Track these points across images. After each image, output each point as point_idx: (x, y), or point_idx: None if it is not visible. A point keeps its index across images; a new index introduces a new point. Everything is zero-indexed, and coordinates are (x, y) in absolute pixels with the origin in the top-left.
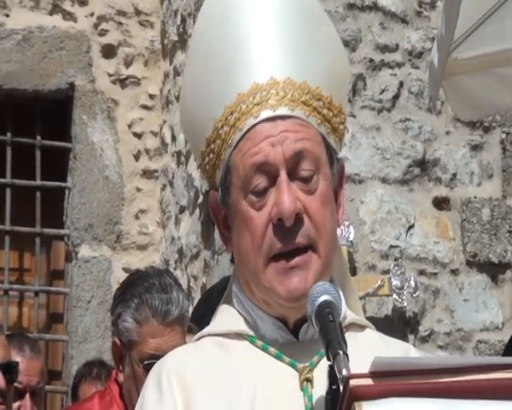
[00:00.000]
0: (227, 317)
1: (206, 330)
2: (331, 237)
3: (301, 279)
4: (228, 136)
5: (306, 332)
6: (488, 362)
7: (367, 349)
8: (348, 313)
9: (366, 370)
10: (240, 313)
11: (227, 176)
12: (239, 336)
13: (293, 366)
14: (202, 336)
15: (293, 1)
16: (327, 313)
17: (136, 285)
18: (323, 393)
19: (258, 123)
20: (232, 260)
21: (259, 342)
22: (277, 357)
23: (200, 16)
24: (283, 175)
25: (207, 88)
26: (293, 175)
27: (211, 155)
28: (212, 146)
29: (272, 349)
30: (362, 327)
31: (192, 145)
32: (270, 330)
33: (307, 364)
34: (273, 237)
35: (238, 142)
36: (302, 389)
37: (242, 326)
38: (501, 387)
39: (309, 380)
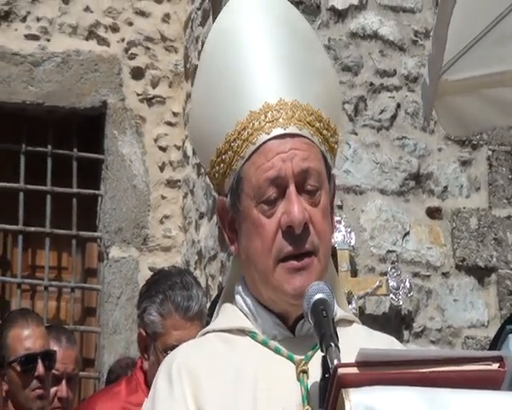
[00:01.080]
0: (230, 314)
1: (211, 326)
2: (329, 245)
3: (305, 279)
4: (240, 149)
5: (302, 328)
6: (460, 355)
7: (355, 342)
8: (338, 310)
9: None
10: (242, 311)
11: (238, 185)
12: (241, 332)
13: (290, 359)
14: (207, 332)
15: (294, 32)
16: (321, 309)
17: (161, 283)
18: (318, 383)
19: (269, 139)
20: None
21: (260, 338)
22: (276, 351)
23: (210, 37)
24: (292, 188)
25: (219, 104)
26: (300, 188)
27: (221, 165)
28: (224, 157)
29: (272, 344)
30: (350, 322)
31: (200, 154)
32: (269, 327)
33: (303, 357)
34: (283, 242)
35: (251, 155)
36: (299, 380)
37: (244, 323)
38: (471, 377)
39: (305, 372)
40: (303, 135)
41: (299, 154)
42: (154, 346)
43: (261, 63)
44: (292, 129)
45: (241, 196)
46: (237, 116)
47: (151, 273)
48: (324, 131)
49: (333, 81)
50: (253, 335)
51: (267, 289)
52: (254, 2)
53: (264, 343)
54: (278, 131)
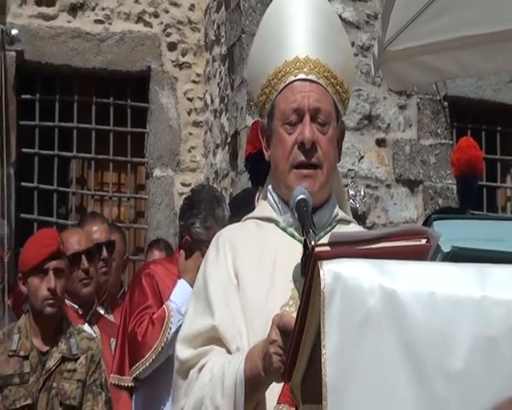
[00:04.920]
0: (262, 207)
1: (250, 214)
2: (332, 164)
3: (310, 184)
4: (276, 85)
5: None
6: (402, 232)
7: None
8: (340, 213)
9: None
10: (270, 205)
11: (272, 110)
12: (268, 219)
13: (301, 242)
14: (247, 219)
15: (326, 17)
16: (302, 206)
17: (202, 202)
18: None
19: (295, 80)
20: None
21: (281, 225)
22: (292, 236)
23: (267, 12)
24: (307, 117)
25: (265, 55)
26: (313, 119)
27: (263, 96)
28: (265, 90)
29: (289, 231)
30: (348, 222)
31: (252, 91)
32: (288, 218)
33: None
34: (297, 152)
35: (281, 90)
36: None
37: (271, 214)
38: (406, 251)
39: None
40: (319, 83)
41: (314, 95)
42: (198, 248)
43: (298, 31)
44: (312, 77)
45: (273, 118)
46: (276, 63)
47: (182, 187)
48: (337, 87)
49: (349, 56)
50: (276, 223)
51: (284, 187)
52: None
53: (284, 229)
54: (302, 76)
